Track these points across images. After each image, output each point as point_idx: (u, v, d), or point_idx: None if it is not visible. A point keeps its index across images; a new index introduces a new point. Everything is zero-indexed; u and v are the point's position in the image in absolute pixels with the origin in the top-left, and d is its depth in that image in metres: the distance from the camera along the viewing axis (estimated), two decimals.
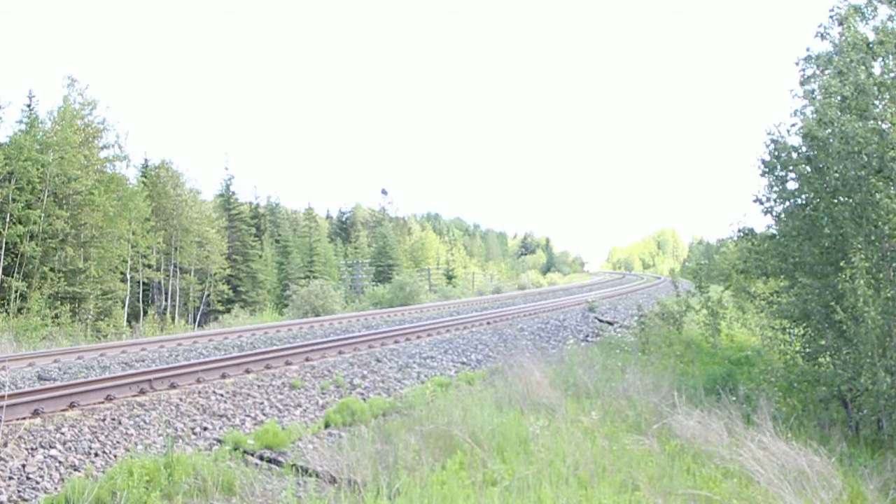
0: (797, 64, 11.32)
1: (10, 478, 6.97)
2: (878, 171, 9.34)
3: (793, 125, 11.02)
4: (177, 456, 7.23)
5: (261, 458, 8.39)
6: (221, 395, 10.64)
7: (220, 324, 34.88)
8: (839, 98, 10.01)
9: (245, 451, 8.45)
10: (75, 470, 7.46)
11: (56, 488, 6.97)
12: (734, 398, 9.35)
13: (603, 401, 9.90)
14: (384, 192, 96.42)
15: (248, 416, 10.11)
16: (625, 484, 6.42)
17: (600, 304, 30.13)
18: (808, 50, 11.31)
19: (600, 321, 24.12)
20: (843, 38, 10.54)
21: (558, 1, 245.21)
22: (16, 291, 27.08)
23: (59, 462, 7.53)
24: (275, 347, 15.69)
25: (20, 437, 7.82)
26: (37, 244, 28.37)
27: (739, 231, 12.21)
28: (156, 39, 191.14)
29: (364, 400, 11.33)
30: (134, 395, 10.16)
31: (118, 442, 8.38)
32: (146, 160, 43.96)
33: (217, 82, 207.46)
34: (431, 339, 17.89)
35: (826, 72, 10.81)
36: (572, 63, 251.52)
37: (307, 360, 13.74)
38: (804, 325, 10.95)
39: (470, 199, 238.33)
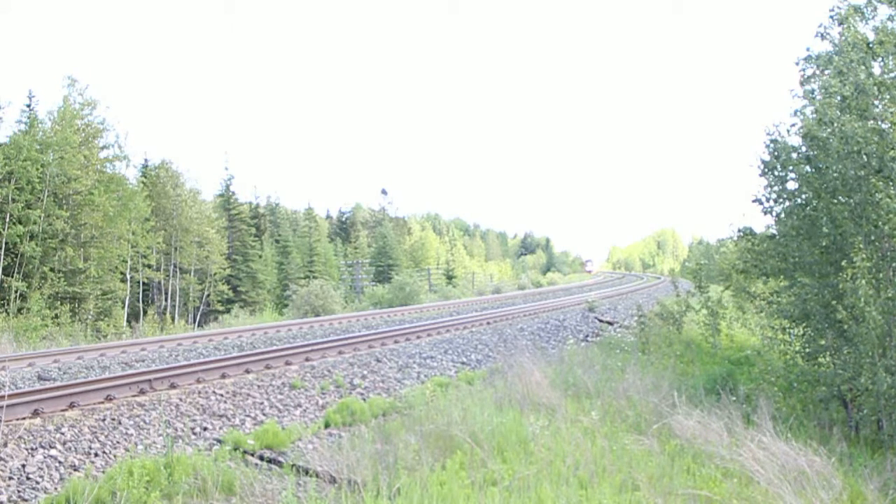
0: (797, 64, 11.34)
1: (10, 478, 6.97)
2: (877, 171, 9.34)
3: (793, 125, 11.05)
4: (177, 456, 7.23)
5: (261, 458, 8.39)
6: (221, 395, 10.64)
7: (220, 324, 34.87)
8: (839, 98, 10.01)
9: (245, 451, 8.44)
10: (75, 470, 7.46)
11: (56, 488, 6.97)
12: (734, 398, 9.36)
13: (603, 401, 9.90)
14: (384, 192, 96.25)
15: (248, 416, 10.11)
16: (625, 484, 6.42)
17: (600, 304, 30.13)
18: (808, 50, 11.34)
19: (600, 321, 24.12)
20: (843, 38, 10.55)
21: (558, 1, 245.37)
22: (16, 291, 27.07)
23: (59, 462, 7.53)
24: (275, 347, 15.69)
25: (20, 437, 7.82)
26: (37, 244, 28.36)
27: (739, 231, 12.22)
28: (156, 39, 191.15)
29: (364, 400, 11.33)
30: (134, 395, 10.16)
31: (118, 442, 8.38)
32: (146, 160, 43.97)
33: (217, 82, 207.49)
34: (431, 339, 17.89)
35: (826, 72, 10.82)
36: (572, 63, 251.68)
37: (307, 360, 13.74)
38: (804, 325, 10.96)
39: (470, 199, 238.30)
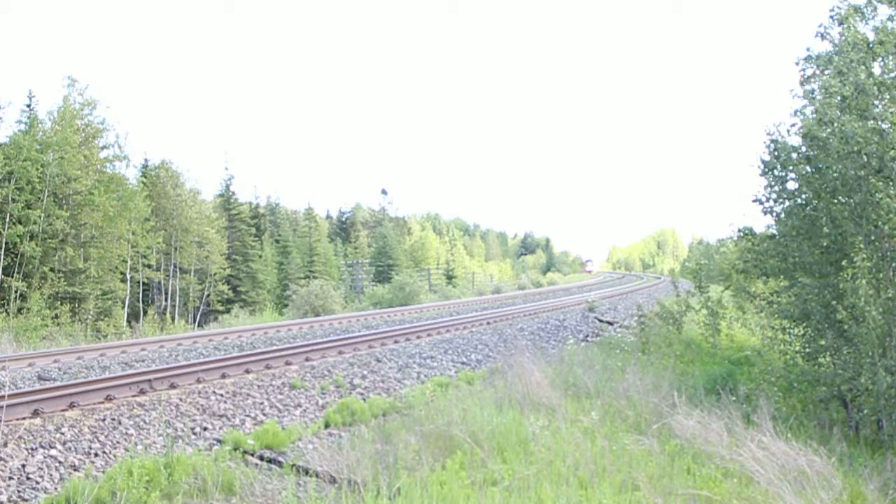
0: (797, 64, 11.33)
1: (10, 478, 6.97)
2: (877, 171, 9.34)
3: (793, 125, 11.03)
4: (177, 456, 7.23)
5: (261, 458, 8.39)
6: (221, 395, 10.64)
7: (220, 324, 34.88)
8: (839, 98, 10.01)
9: (245, 451, 8.44)
10: (75, 470, 7.46)
11: (56, 488, 6.97)
12: (734, 398, 9.36)
13: (603, 401, 9.89)
14: (384, 192, 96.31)
15: (248, 416, 10.11)
16: (625, 484, 6.42)
17: (600, 304, 30.13)
18: (808, 50, 11.32)
19: (600, 321, 24.12)
20: (843, 38, 10.54)
21: (558, 1, 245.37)
22: (16, 291, 27.08)
23: (59, 462, 7.53)
24: (275, 347, 15.68)
25: (20, 437, 7.82)
26: (37, 244, 28.37)
27: (739, 231, 12.22)
28: (156, 39, 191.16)
29: (364, 400, 11.33)
30: (134, 395, 10.16)
31: (118, 442, 8.38)
32: (146, 160, 44.02)
33: (217, 82, 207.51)
34: (431, 339, 17.89)
35: (826, 72, 10.81)
36: (572, 63, 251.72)
37: (307, 360, 13.74)
38: (804, 325, 10.95)
39: (470, 199, 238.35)
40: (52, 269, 29.28)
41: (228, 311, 40.46)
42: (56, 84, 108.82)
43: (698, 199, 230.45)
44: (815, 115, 10.38)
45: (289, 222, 66.70)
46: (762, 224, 14.08)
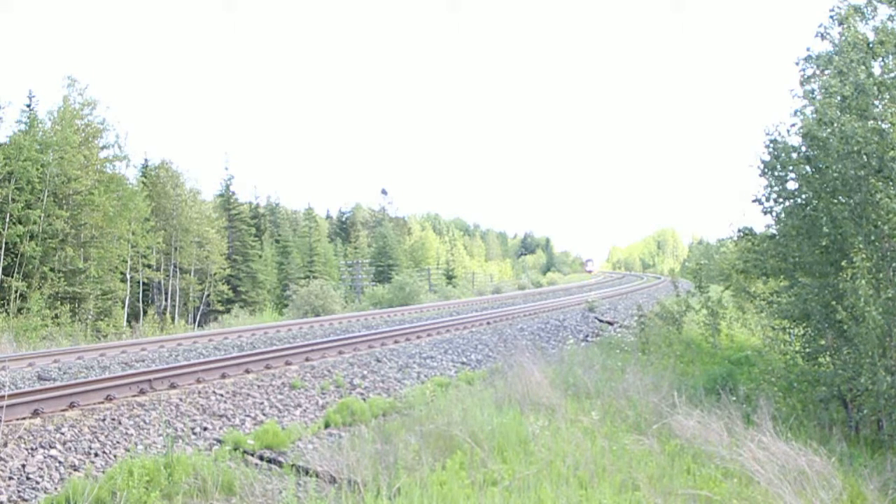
0: (797, 64, 11.33)
1: (10, 478, 6.97)
2: (877, 171, 9.34)
3: (793, 125, 11.03)
4: (177, 456, 7.23)
5: (261, 458, 8.39)
6: (221, 395, 10.64)
7: (220, 324, 34.87)
8: (839, 98, 10.00)
9: (245, 451, 8.45)
10: (75, 470, 7.47)
11: (56, 488, 6.97)
12: (734, 398, 9.35)
13: (603, 401, 9.90)
14: (384, 192, 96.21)
15: (248, 416, 10.11)
16: (625, 484, 6.42)
17: (600, 304, 30.14)
18: (808, 50, 11.32)
19: (600, 321, 24.13)
20: (843, 38, 10.54)
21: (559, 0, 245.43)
22: (16, 291, 27.08)
23: (59, 462, 7.53)
24: (275, 347, 15.69)
25: (20, 437, 7.82)
26: (37, 244, 28.37)
27: (739, 231, 12.22)
28: (156, 39, 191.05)
29: (364, 400, 11.34)
30: (134, 395, 10.16)
31: (118, 442, 8.38)
32: (146, 160, 43.99)
33: (217, 82, 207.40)
34: (431, 339, 17.89)
35: (826, 72, 10.81)
36: (572, 62, 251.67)
37: (307, 360, 13.74)
38: (804, 325, 10.96)
39: (470, 199, 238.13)
40: (52, 269, 29.27)
41: (228, 311, 40.44)
42: (56, 84, 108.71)
43: (698, 199, 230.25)
44: (815, 115, 10.38)
45: (289, 222, 66.67)
46: (762, 224, 14.07)
